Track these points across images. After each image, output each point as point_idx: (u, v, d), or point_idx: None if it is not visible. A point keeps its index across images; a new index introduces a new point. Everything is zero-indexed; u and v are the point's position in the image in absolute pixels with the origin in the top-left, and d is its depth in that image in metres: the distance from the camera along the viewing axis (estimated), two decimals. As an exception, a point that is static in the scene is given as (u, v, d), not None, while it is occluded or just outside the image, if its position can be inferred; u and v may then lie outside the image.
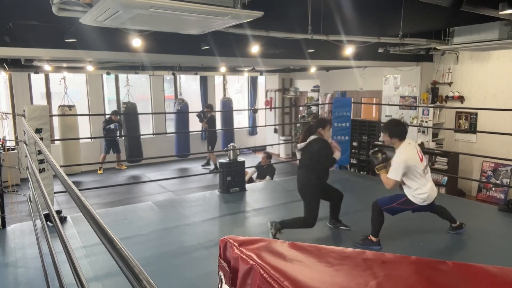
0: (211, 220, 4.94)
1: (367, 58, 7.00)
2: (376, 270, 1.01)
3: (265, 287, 0.89)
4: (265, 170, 7.85)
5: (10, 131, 9.44)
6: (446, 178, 7.28)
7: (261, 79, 13.31)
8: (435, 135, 8.11)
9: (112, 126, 9.74)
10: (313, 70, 10.19)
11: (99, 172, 10.05)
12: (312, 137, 4.06)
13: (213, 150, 10.00)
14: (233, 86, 13.55)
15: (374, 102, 9.72)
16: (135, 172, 10.25)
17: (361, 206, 5.18)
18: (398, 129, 3.74)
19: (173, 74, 10.45)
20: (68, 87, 9.17)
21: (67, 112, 9.10)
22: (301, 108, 12.22)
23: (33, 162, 3.59)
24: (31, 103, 9.47)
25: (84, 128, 10.30)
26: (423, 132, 8.09)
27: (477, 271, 1.12)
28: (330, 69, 10.54)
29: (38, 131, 4.32)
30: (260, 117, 13.61)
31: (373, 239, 3.84)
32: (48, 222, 3.71)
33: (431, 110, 7.86)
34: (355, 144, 8.82)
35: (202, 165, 10.66)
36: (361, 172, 8.80)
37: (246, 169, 6.68)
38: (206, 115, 9.96)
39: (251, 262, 0.98)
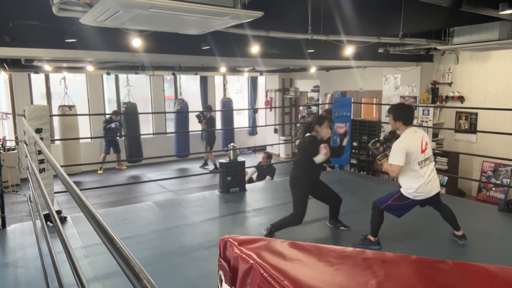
0: (211, 220, 4.94)
1: (367, 58, 7.00)
2: (376, 269, 1.01)
3: (265, 286, 0.89)
4: (265, 170, 7.85)
5: (10, 131, 9.45)
6: (446, 178, 7.28)
7: (261, 79, 13.32)
8: (435, 135, 8.11)
9: (113, 125, 9.76)
10: (313, 70, 10.19)
11: (99, 172, 10.05)
12: (307, 135, 4.07)
13: (211, 151, 9.99)
14: (233, 86, 13.56)
15: (374, 102, 9.72)
16: (135, 172, 10.25)
17: (361, 206, 5.18)
18: (403, 112, 3.57)
19: (173, 74, 10.45)
20: (68, 87, 9.18)
21: (67, 112, 9.11)
22: (301, 108, 12.22)
23: (33, 162, 3.59)
24: (31, 103, 9.48)
25: (84, 128, 10.31)
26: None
27: (477, 271, 1.12)
28: (330, 69, 10.55)
29: (38, 131, 4.32)
30: (260, 117, 13.61)
31: (372, 238, 3.82)
32: (48, 222, 3.71)
33: (431, 110, 7.87)
34: (355, 144, 8.82)
35: (200, 166, 10.66)
36: (361, 172, 8.80)
37: (246, 169, 6.68)
38: (206, 116, 9.97)
39: (251, 261, 0.98)
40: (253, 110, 12.71)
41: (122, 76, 10.76)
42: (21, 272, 3.46)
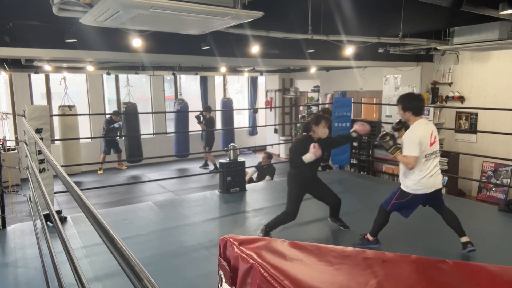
0: (211, 220, 4.94)
1: (367, 58, 7.00)
2: (376, 269, 1.01)
3: (265, 286, 0.89)
4: (265, 170, 7.85)
5: (11, 131, 9.44)
6: (446, 178, 7.28)
7: (261, 79, 13.32)
8: (435, 135, 8.10)
9: (116, 125, 9.78)
10: (313, 70, 10.19)
11: (99, 172, 10.05)
12: (304, 134, 4.08)
13: (210, 151, 9.99)
14: (233, 86, 13.56)
15: (374, 102, 9.72)
16: (135, 172, 10.25)
17: (361, 206, 5.18)
18: (412, 103, 3.45)
19: (173, 74, 10.45)
20: (68, 87, 9.18)
21: (67, 112, 9.11)
22: (301, 108, 12.22)
23: (33, 162, 3.59)
24: (31, 103, 9.48)
25: (84, 128, 10.31)
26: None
27: (477, 270, 1.12)
28: (330, 69, 10.55)
29: (38, 131, 4.32)
30: (260, 117, 13.61)
31: (370, 238, 3.80)
32: (48, 222, 3.71)
33: (431, 110, 7.86)
34: (355, 144, 8.82)
35: (201, 167, 10.66)
36: (361, 172, 8.80)
37: (246, 169, 6.68)
38: (205, 117, 9.96)
39: (251, 261, 0.98)
40: (253, 110, 12.71)
41: (122, 76, 10.76)
42: (21, 272, 3.46)
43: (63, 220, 4.60)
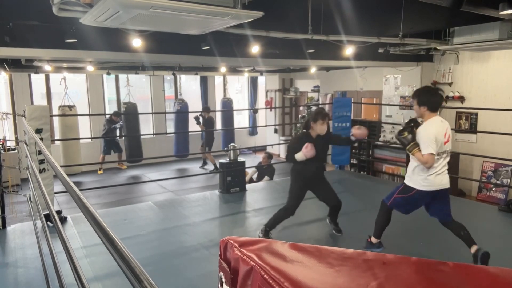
0: (211, 220, 4.94)
1: (367, 58, 7.00)
2: (377, 271, 1.01)
3: (266, 288, 0.89)
4: (264, 171, 7.85)
5: (11, 131, 9.44)
6: (446, 178, 7.27)
7: (261, 79, 13.31)
8: (435, 135, 8.10)
9: (117, 125, 9.79)
10: (313, 70, 10.19)
11: (99, 172, 10.05)
12: (303, 131, 4.08)
13: (209, 151, 10.00)
14: (233, 86, 13.56)
15: (374, 102, 9.72)
16: (135, 172, 10.26)
17: (361, 206, 5.18)
18: (429, 97, 3.27)
19: (173, 74, 10.45)
20: (68, 87, 9.17)
21: (67, 112, 9.11)
22: (301, 108, 12.22)
23: (33, 162, 3.59)
24: (32, 103, 9.48)
25: (85, 128, 10.30)
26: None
27: (477, 272, 1.12)
28: (330, 69, 10.54)
29: (38, 131, 4.32)
30: (260, 117, 13.61)
31: (374, 240, 3.70)
32: (48, 222, 3.71)
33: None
34: (355, 144, 8.81)
35: (200, 167, 10.68)
36: (361, 172, 8.80)
37: (246, 170, 6.68)
38: (204, 117, 9.96)
39: (252, 263, 0.98)
40: (253, 110, 12.71)
41: (122, 76, 10.76)
42: (21, 272, 3.46)
43: (63, 220, 4.60)
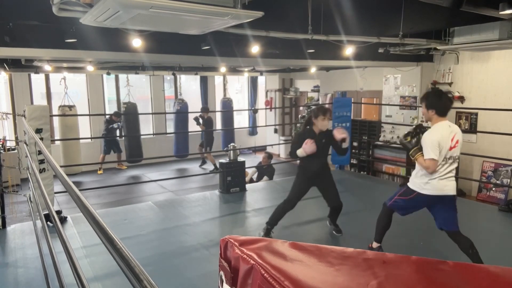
0: (211, 220, 4.94)
1: (367, 58, 7.00)
2: (377, 270, 1.01)
3: (266, 287, 0.89)
4: (264, 171, 7.85)
5: (11, 131, 9.44)
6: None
7: (261, 79, 13.32)
8: (435, 135, 8.10)
9: (115, 125, 9.78)
10: (313, 70, 10.19)
11: (99, 172, 10.05)
12: (307, 127, 4.11)
13: (210, 151, 10.00)
14: (233, 86, 13.56)
15: (374, 102, 9.72)
16: (135, 172, 10.26)
17: (361, 206, 5.18)
18: (437, 101, 3.17)
19: (173, 74, 10.45)
20: (68, 87, 9.18)
21: (67, 112, 9.11)
22: (301, 108, 12.22)
23: (33, 162, 3.59)
24: (31, 103, 9.48)
25: (84, 128, 10.31)
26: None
27: (477, 271, 1.12)
28: (330, 69, 10.55)
29: (38, 131, 4.32)
30: (260, 117, 13.61)
31: (374, 245, 3.61)
32: (48, 222, 3.71)
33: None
34: (355, 144, 8.82)
35: (200, 166, 10.68)
36: (361, 172, 8.80)
37: (246, 170, 6.68)
38: (204, 117, 9.96)
39: (252, 262, 0.98)
40: (253, 110, 12.71)
41: (122, 76, 10.76)
42: (21, 272, 3.46)
43: (63, 220, 4.60)
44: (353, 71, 9.74)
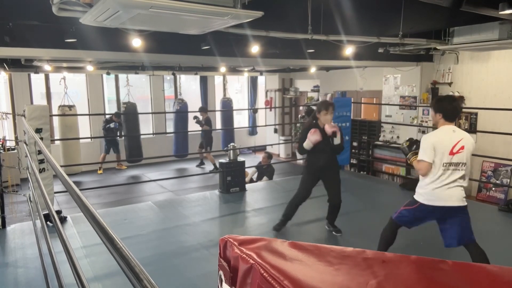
0: (211, 220, 4.94)
1: (367, 58, 7.01)
2: (376, 269, 1.01)
3: (265, 286, 0.89)
4: (264, 171, 7.85)
5: (10, 131, 9.44)
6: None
7: (261, 79, 13.32)
8: (435, 135, 8.10)
9: (112, 125, 9.77)
10: (313, 70, 10.19)
11: (99, 172, 10.05)
12: (313, 122, 4.16)
13: (209, 151, 9.99)
14: (233, 86, 13.56)
15: (374, 102, 9.72)
16: (135, 172, 10.26)
17: (360, 206, 5.18)
18: (445, 105, 3.08)
19: (173, 74, 10.45)
20: (68, 87, 9.18)
21: (67, 112, 9.11)
22: (301, 108, 12.22)
23: (33, 162, 3.59)
24: (31, 103, 9.48)
25: (84, 128, 10.31)
26: (423, 132, 8.09)
27: (477, 271, 1.12)
28: (330, 69, 10.55)
29: (38, 131, 4.32)
30: (260, 117, 13.61)
31: None
32: (48, 222, 3.71)
33: (431, 110, 7.86)
34: (355, 144, 8.83)
35: (197, 166, 10.68)
36: (361, 172, 8.81)
37: (246, 170, 6.68)
38: (200, 118, 9.96)
39: (251, 261, 0.98)
40: (253, 110, 12.71)
41: (122, 76, 10.77)
42: (21, 272, 3.46)
43: (63, 220, 4.60)
44: (353, 71, 9.74)
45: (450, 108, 3.08)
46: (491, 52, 6.95)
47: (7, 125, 8.90)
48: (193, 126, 10.44)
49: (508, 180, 6.95)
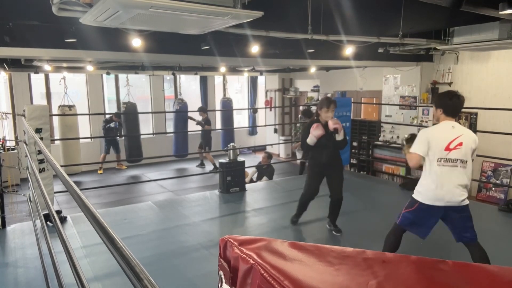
0: (211, 220, 4.94)
1: (367, 58, 7.01)
2: (377, 270, 1.01)
3: (265, 287, 0.89)
4: (264, 171, 7.85)
5: (10, 131, 9.44)
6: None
7: (261, 79, 13.32)
8: (435, 135, 8.10)
9: (112, 124, 9.77)
10: (313, 70, 10.19)
11: (99, 172, 10.05)
12: (315, 119, 4.21)
13: (209, 151, 9.99)
14: (233, 86, 13.56)
15: (374, 102, 9.72)
16: (135, 172, 10.25)
17: (360, 206, 5.18)
18: (445, 101, 3.07)
19: (173, 74, 10.45)
20: (68, 87, 9.18)
21: (67, 112, 9.11)
22: (301, 108, 12.22)
23: (33, 162, 3.59)
24: (31, 103, 9.47)
25: (84, 128, 10.31)
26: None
27: (477, 271, 1.12)
28: (330, 69, 10.55)
29: (38, 131, 4.32)
30: (260, 117, 13.61)
31: None
32: (48, 222, 3.72)
33: (431, 110, 7.87)
34: (355, 144, 8.82)
35: (197, 166, 10.68)
36: (361, 172, 8.80)
37: (246, 170, 6.68)
38: (204, 118, 9.96)
39: (251, 261, 0.98)
40: (253, 110, 12.71)
41: (122, 76, 10.76)
42: (21, 272, 3.46)
43: (63, 220, 4.60)
44: (353, 71, 9.74)
45: (450, 104, 3.06)
46: (491, 52, 6.95)
47: (7, 125, 8.90)
48: (193, 126, 10.44)
49: (508, 180, 6.95)
